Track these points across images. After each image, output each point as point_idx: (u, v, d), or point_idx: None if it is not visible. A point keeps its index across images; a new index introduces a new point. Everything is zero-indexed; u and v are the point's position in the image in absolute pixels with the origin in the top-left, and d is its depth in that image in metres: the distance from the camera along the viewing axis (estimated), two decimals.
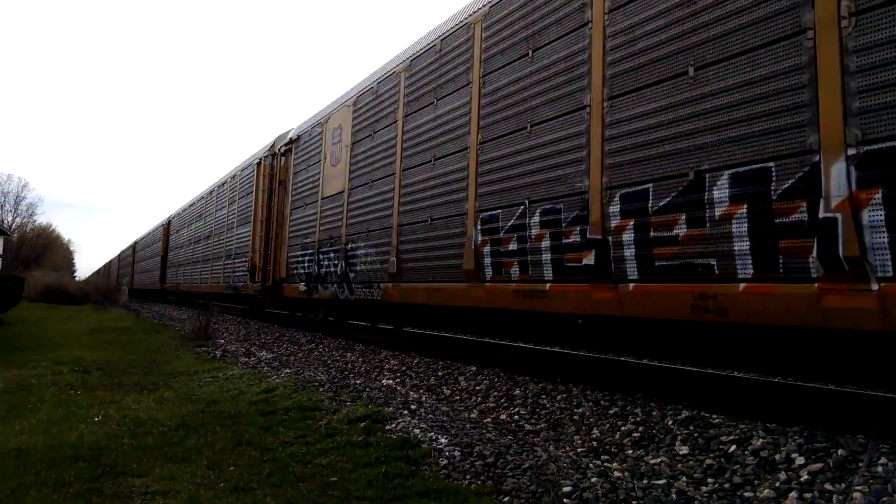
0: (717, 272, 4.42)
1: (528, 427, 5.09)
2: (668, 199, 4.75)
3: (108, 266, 72.28)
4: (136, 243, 44.97)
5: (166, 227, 30.85)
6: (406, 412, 5.38)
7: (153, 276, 33.20)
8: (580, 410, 5.28)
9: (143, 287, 38.48)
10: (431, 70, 8.19)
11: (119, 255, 59.60)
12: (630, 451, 4.26)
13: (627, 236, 5.05)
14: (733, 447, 3.95)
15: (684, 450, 4.09)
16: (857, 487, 3.21)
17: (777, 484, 3.40)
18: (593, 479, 3.64)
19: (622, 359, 7.74)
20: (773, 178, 4.10)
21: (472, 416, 5.56)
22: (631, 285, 5.04)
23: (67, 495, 3.42)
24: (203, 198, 22.98)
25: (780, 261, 4.05)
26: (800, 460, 3.60)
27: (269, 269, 13.96)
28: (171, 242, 29.32)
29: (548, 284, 5.88)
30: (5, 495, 3.41)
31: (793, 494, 3.26)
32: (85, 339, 12.22)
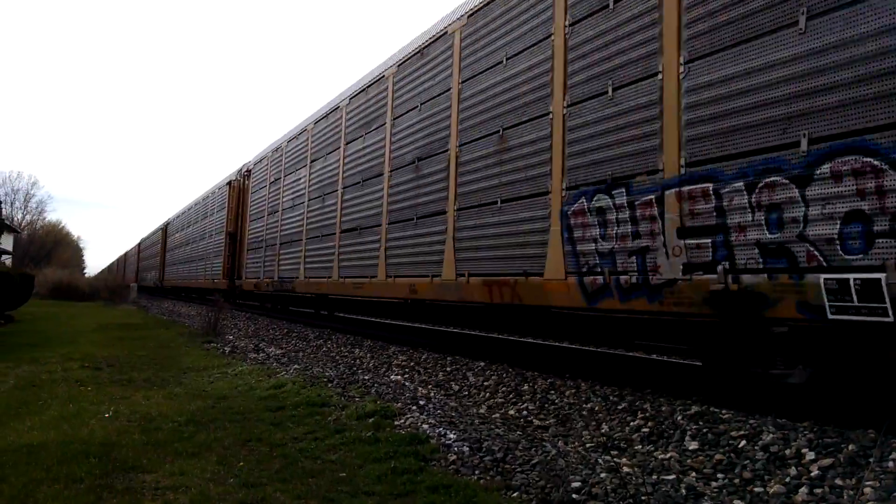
0: None
1: (536, 422, 5.08)
2: None
3: (122, 259, 63.92)
4: (167, 224, 33.79)
5: (240, 181, 19.02)
6: (415, 408, 5.38)
7: (206, 269, 22.28)
8: (589, 406, 5.27)
9: (185, 284, 26.99)
10: None
11: (140, 243, 48.00)
12: (639, 447, 4.25)
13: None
14: (743, 442, 3.93)
15: (694, 445, 4.08)
16: (867, 482, 3.19)
17: (787, 479, 3.38)
18: (603, 475, 3.63)
19: (630, 354, 7.72)
20: None
21: (481, 411, 5.55)
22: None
23: (78, 491, 3.44)
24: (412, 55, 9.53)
25: None
26: (810, 455, 3.58)
27: None
28: (255, 208, 17.35)
29: None
30: (17, 490, 3.44)
31: (803, 490, 3.24)
32: (95, 335, 12.29)
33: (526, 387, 6.12)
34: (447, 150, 8.26)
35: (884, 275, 3.66)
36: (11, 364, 8.00)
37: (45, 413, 5.29)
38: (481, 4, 7.75)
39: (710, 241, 4.69)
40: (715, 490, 3.43)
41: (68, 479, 3.61)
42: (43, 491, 3.43)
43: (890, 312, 3.63)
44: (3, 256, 38.77)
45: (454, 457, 4.03)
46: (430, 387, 6.66)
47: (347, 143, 11.69)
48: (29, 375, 7.18)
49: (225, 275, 19.19)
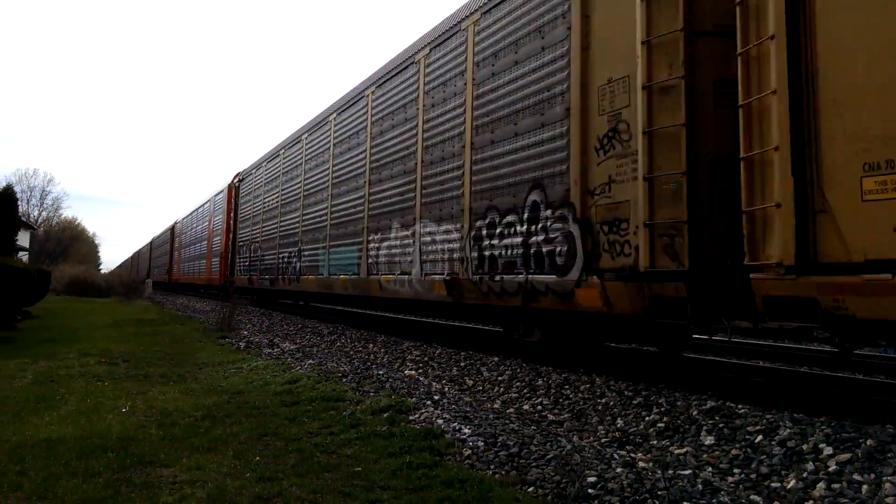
0: None
1: (551, 417, 5.08)
2: None
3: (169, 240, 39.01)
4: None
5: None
6: (429, 402, 5.38)
7: None
8: (604, 401, 5.26)
9: None
10: None
11: (200, 204, 28.57)
12: (655, 442, 4.24)
13: None
14: (760, 437, 3.91)
15: (710, 440, 4.06)
16: (887, 478, 3.16)
17: (804, 474, 3.36)
18: (618, 470, 3.62)
19: (645, 349, 7.70)
20: None
21: (495, 406, 5.55)
22: None
23: (97, 485, 3.48)
24: None
25: None
26: (828, 450, 3.56)
27: None
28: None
29: None
30: (36, 485, 3.48)
31: (821, 485, 3.22)
32: (111, 331, 12.40)
33: (540, 382, 6.11)
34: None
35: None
36: (29, 360, 8.09)
37: (63, 408, 5.34)
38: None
39: None
40: (731, 485, 3.41)
41: (87, 474, 3.65)
42: (62, 485, 3.47)
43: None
44: (20, 253, 39.08)
45: (469, 451, 4.03)
46: (444, 382, 6.67)
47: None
48: (47, 371, 7.26)
49: None
